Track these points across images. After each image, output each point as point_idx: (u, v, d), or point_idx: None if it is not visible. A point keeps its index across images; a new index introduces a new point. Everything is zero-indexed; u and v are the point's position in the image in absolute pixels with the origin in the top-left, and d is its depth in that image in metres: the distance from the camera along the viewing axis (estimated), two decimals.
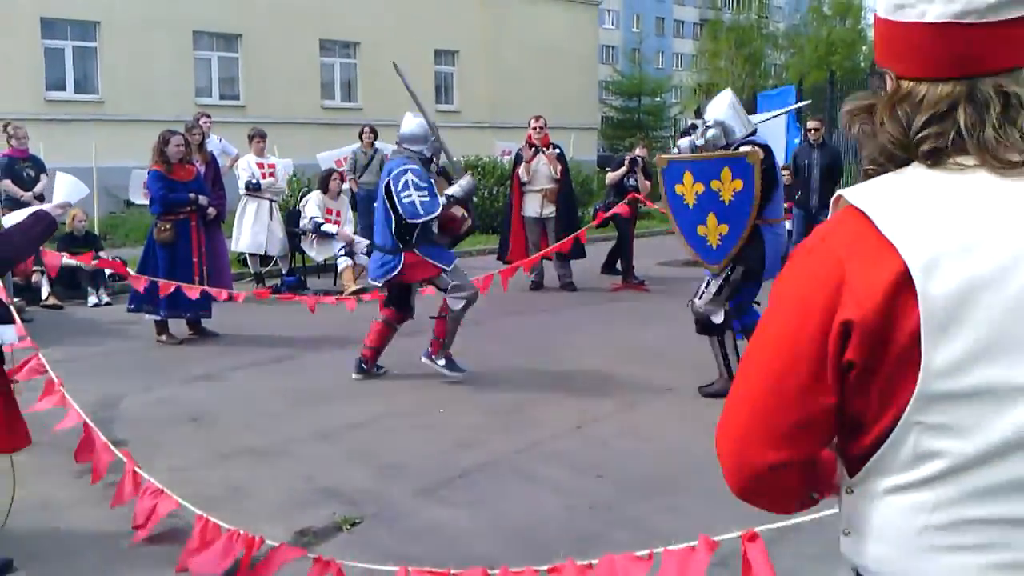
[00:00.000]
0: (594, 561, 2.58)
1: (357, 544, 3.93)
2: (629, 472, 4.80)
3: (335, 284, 10.80)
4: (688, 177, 5.99)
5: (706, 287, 6.29)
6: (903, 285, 1.12)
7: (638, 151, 11.53)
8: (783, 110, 10.92)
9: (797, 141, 14.89)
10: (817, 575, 3.52)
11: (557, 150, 10.64)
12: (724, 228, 5.96)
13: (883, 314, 1.14)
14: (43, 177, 10.02)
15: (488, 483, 4.68)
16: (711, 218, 5.96)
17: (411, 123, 6.61)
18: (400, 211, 6.13)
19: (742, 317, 6.26)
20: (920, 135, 1.21)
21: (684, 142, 6.66)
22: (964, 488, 1.14)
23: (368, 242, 10.92)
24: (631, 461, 4.98)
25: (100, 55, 19.68)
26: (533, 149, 10.40)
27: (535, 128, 10.42)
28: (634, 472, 4.79)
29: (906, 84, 1.23)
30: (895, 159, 1.24)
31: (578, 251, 10.20)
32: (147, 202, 8.58)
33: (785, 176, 10.99)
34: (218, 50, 21.67)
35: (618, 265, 11.34)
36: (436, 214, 6.24)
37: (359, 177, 11.86)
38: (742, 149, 5.94)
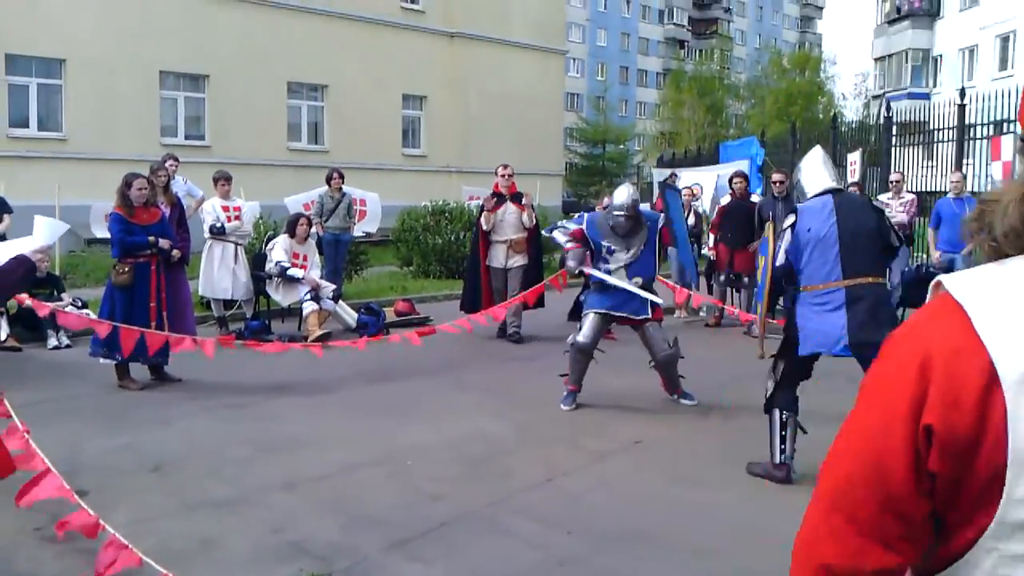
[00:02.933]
0: None
1: None
2: (599, 526, 4.76)
3: (299, 329, 10.70)
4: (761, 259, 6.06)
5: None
6: (994, 396, 1.02)
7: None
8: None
9: (759, 191, 15.12)
10: None
11: (523, 200, 10.49)
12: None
13: (968, 426, 1.03)
14: (5, 217, 9.86)
15: (458, 536, 4.62)
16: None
17: (624, 194, 7.43)
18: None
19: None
20: None
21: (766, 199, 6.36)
22: None
23: (334, 287, 10.87)
24: (601, 515, 4.94)
25: (65, 92, 19.54)
26: (496, 198, 10.31)
27: (503, 176, 10.32)
28: (604, 526, 4.76)
29: None
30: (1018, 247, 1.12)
31: (538, 301, 10.24)
32: (108, 235, 8.48)
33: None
34: (184, 90, 21.62)
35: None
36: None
37: (325, 221, 11.81)
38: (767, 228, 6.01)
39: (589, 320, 7.32)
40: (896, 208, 11.13)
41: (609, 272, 7.31)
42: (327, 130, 23.99)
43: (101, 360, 7.75)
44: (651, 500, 5.19)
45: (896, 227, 10.85)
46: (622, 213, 7.30)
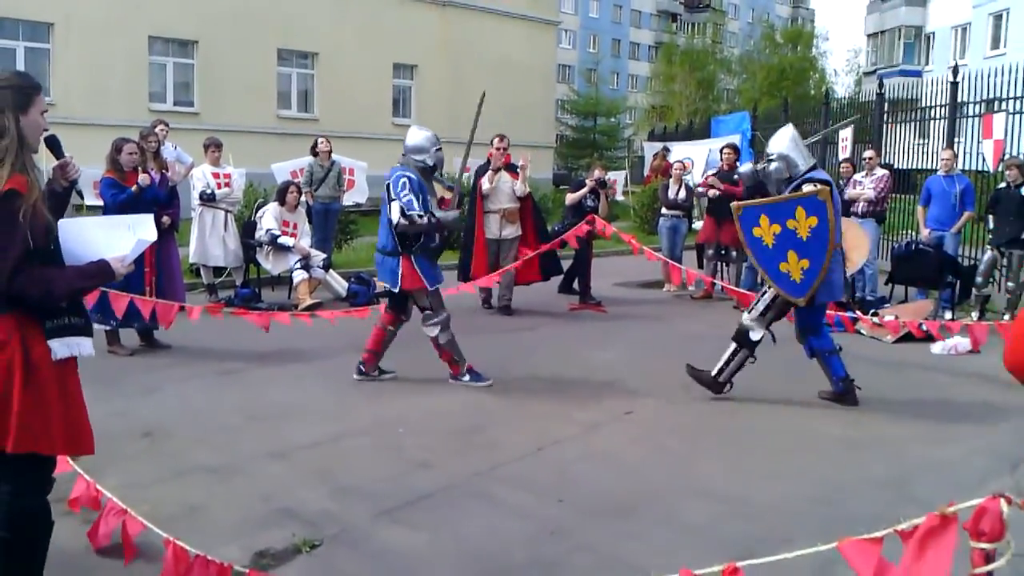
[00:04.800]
0: None
1: (317, 567, 3.87)
2: (590, 497, 4.79)
3: (289, 297, 10.68)
4: (764, 220, 6.42)
5: (759, 303, 6.72)
6: None
7: (597, 173, 11.56)
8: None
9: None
10: None
11: (516, 170, 10.47)
12: (806, 263, 6.33)
13: None
14: None
15: (448, 506, 4.64)
16: (791, 255, 6.35)
17: (418, 135, 7.02)
18: (400, 205, 6.55)
19: (810, 340, 6.73)
20: None
21: (746, 167, 7.33)
22: None
23: (324, 256, 10.85)
24: (592, 485, 4.97)
25: (53, 57, 19.33)
26: (494, 169, 10.24)
27: (499, 148, 10.26)
28: (595, 497, 4.78)
29: None
30: None
31: (555, 268, 10.67)
32: (99, 203, 8.41)
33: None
34: (174, 56, 21.41)
35: (575, 285, 11.38)
36: (422, 224, 6.58)
37: (315, 190, 11.74)
38: (807, 188, 6.37)
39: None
40: (867, 185, 11.14)
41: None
42: (317, 98, 23.82)
43: (103, 327, 7.71)
44: (641, 472, 5.22)
45: (865, 203, 10.98)
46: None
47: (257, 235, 10.55)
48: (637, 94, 63.88)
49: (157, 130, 9.57)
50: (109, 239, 3.28)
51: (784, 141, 6.66)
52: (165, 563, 3.45)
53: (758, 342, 6.72)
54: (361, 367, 7.06)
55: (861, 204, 11.11)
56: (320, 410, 6.30)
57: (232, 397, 6.50)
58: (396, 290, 6.83)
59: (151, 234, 3.38)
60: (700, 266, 12.17)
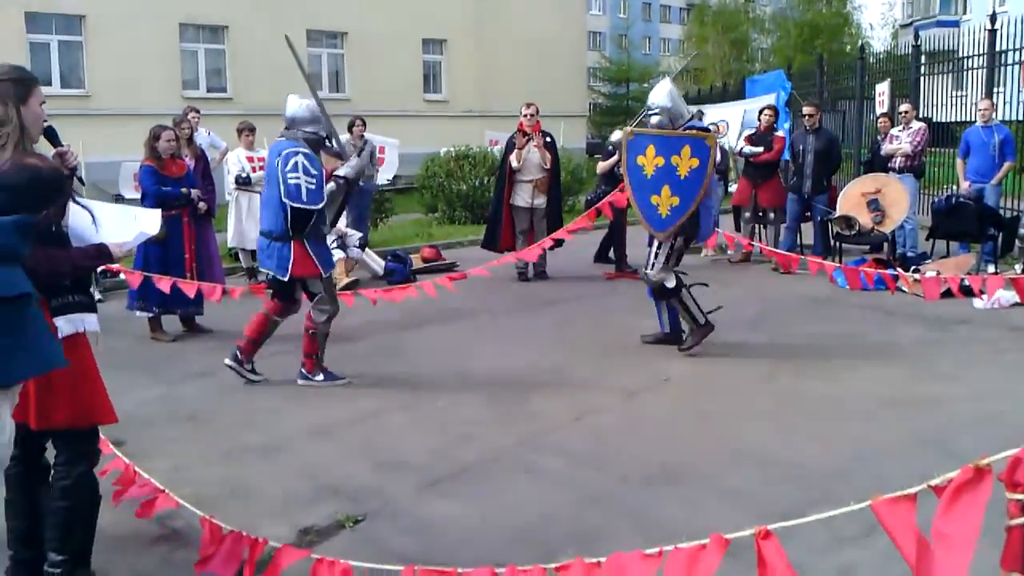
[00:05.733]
0: (602, 559, 2.56)
1: (360, 542, 3.91)
2: (629, 464, 4.79)
3: None
4: (651, 150, 6.65)
5: (655, 257, 6.95)
6: None
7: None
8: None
9: (787, 126, 14.90)
10: (823, 568, 3.53)
11: (548, 138, 10.55)
12: (675, 200, 6.62)
13: None
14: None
15: (489, 477, 4.67)
16: (665, 189, 6.63)
17: (299, 104, 6.14)
18: (283, 191, 5.83)
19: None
20: None
21: (617, 135, 7.29)
22: None
23: (361, 235, 10.89)
24: (631, 453, 4.97)
25: (86, 49, 19.53)
26: (525, 137, 10.29)
27: (527, 116, 10.28)
28: (634, 464, 4.79)
29: None
30: None
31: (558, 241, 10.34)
32: (137, 195, 8.51)
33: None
34: (204, 42, 21.53)
35: (611, 254, 11.33)
36: (318, 207, 5.95)
37: None
38: (698, 133, 6.74)
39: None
40: (904, 139, 10.94)
41: None
42: (347, 78, 23.83)
43: (137, 313, 7.84)
44: (681, 438, 5.21)
45: (903, 157, 10.80)
46: None
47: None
48: (669, 58, 63.08)
49: (189, 117, 9.65)
50: (117, 225, 3.50)
51: (662, 94, 6.89)
52: (202, 541, 3.52)
53: (678, 287, 6.97)
54: (237, 353, 6.41)
55: (898, 159, 10.92)
56: (361, 387, 6.34)
57: (273, 378, 6.56)
58: (285, 278, 6.07)
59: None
60: (737, 229, 12.04)
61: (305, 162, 5.85)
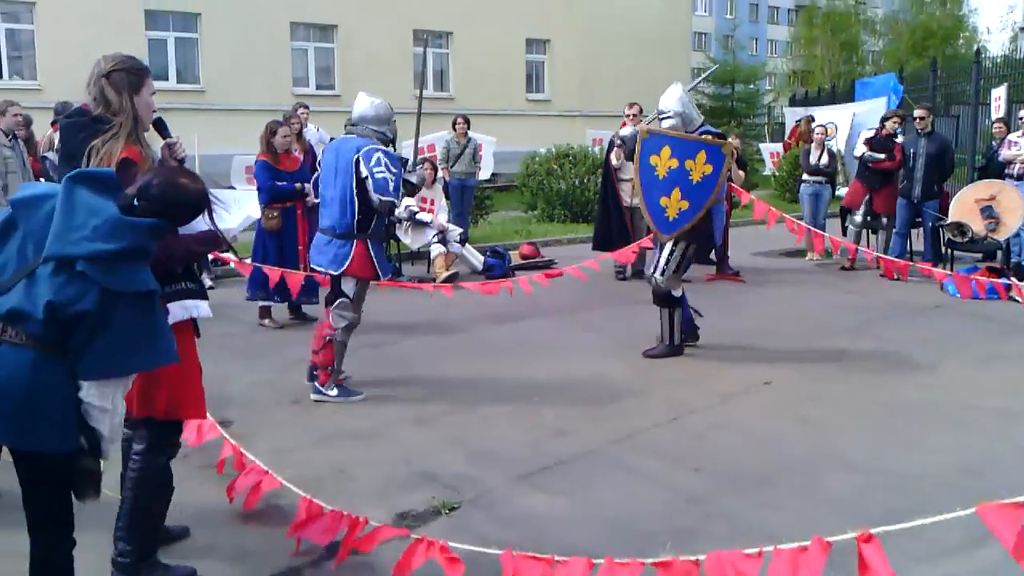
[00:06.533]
0: (701, 556, 2.56)
1: (456, 528, 3.97)
2: (725, 466, 4.75)
3: (428, 271, 10.91)
4: (666, 151, 6.64)
5: (666, 263, 6.92)
6: None
7: (730, 140, 11.33)
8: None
9: (900, 131, 14.48)
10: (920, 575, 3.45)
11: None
12: (685, 204, 6.61)
13: None
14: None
15: (584, 472, 4.69)
16: (676, 192, 6.62)
17: (368, 103, 5.98)
18: (372, 185, 5.64)
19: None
20: None
21: (627, 130, 7.80)
22: None
23: (461, 230, 11.03)
24: (727, 454, 4.93)
25: (201, 46, 20.24)
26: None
27: (630, 116, 10.28)
28: (730, 466, 4.74)
29: None
30: None
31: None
32: (250, 187, 8.79)
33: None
34: (314, 40, 22.09)
35: (712, 255, 11.20)
36: (395, 201, 5.79)
37: (451, 166, 11.96)
38: (715, 140, 6.73)
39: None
40: None
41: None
42: (452, 77, 24.10)
43: (260, 303, 8.09)
44: (780, 442, 5.13)
45: (1022, 164, 10.38)
46: None
47: (396, 212, 10.78)
48: (777, 59, 61.90)
49: (299, 112, 9.92)
50: (221, 212, 3.48)
51: (674, 99, 6.86)
52: (298, 513, 3.64)
53: (681, 297, 6.97)
54: (317, 386, 5.99)
55: (1017, 166, 10.51)
56: (458, 379, 6.43)
57: (374, 367, 6.69)
58: (337, 272, 5.82)
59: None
60: (843, 233, 11.77)
61: (386, 159, 5.74)
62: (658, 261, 7.00)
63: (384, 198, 5.67)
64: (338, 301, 5.92)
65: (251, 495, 4.05)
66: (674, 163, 6.58)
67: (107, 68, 3.23)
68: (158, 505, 3.48)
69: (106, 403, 2.60)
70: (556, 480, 4.58)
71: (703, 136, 6.74)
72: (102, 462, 2.71)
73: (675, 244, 6.87)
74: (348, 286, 5.90)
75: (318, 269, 6.02)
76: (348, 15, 21.68)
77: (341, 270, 5.80)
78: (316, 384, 5.97)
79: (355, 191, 5.72)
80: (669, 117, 6.86)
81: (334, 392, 5.95)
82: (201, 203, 2.98)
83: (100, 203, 2.59)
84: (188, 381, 3.38)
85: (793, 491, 4.41)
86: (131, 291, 2.56)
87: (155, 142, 3.48)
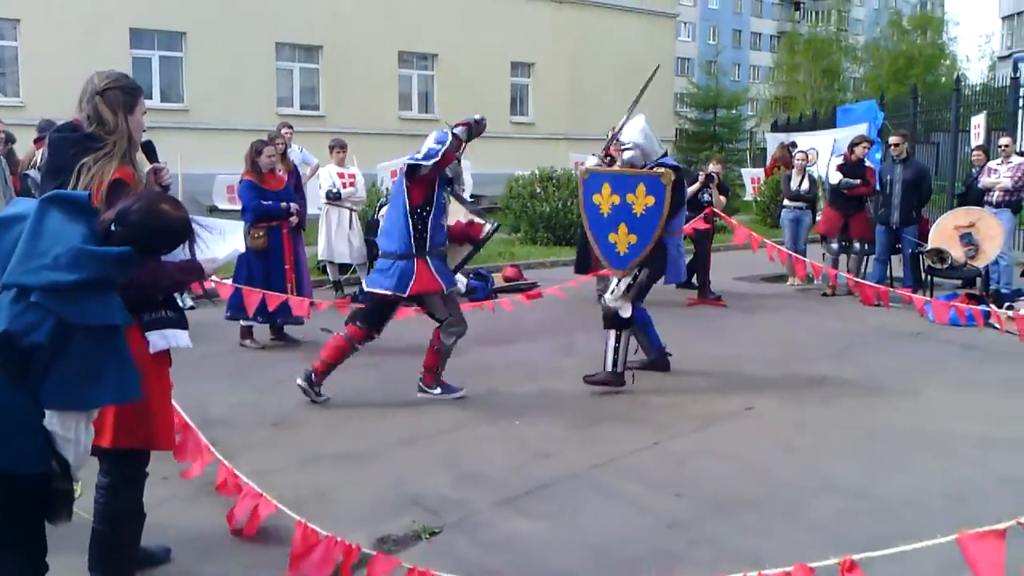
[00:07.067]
0: None
1: (436, 553, 3.94)
2: (708, 491, 4.74)
3: None
4: (607, 188, 6.69)
5: (615, 285, 6.87)
6: None
7: (712, 166, 11.46)
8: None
9: (878, 156, 14.64)
10: None
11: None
12: (633, 238, 6.62)
13: None
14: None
15: (567, 496, 4.67)
16: (622, 228, 6.64)
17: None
18: (422, 153, 6.09)
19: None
20: None
21: (592, 160, 7.75)
22: None
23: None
24: (710, 479, 4.92)
25: (186, 65, 20.22)
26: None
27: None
28: (713, 491, 4.74)
29: None
30: None
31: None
32: (233, 207, 8.75)
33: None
34: (300, 61, 22.12)
35: (694, 280, 11.24)
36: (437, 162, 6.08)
37: None
38: (656, 170, 6.65)
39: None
40: (1003, 173, 10.62)
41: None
42: (437, 99, 24.17)
43: (241, 323, 8.04)
44: (763, 467, 5.14)
45: (1001, 192, 10.49)
46: None
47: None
48: (759, 85, 62.49)
49: (283, 133, 9.91)
50: (207, 241, 3.46)
51: (636, 131, 6.96)
52: (294, 543, 3.60)
53: (629, 323, 6.82)
54: (312, 376, 6.33)
55: (996, 193, 10.62)
56: (443, 401, 6.41)
57: (358, 389, 6.66)
58: (405, 294, 6.12)
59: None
60: (823, 258, 11.85)
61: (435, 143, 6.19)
62: (612, 285, 7.02)
63: (426, 162, 6.06)
64: (446, 321, 6.34)
65: (251, 521, 4.00)
66: (616, 199, 6.62)
67: (102, 86, 3.19)
68: (128, 536, 3.38)
69: (68, 433, 2.53)
70: (539, 504, 4.56)
71: (653, 169, 6.72)
72: (76, 484, 2.66)
73: None
74: (435, 307, 6.30)
75: (382, 292, 6.20)
76: (333, 36, 21.73)
77: (407, 292, 6.10)
78: (420, 384, 6.50)
79: (407, 210, 6.06)
80: (629, 149, 6.94)
81: (438, 391, 6.48)
82: (181, 231, 2.92)
83: (68, 229, 2.53)
84: (162, 412, 3.31)
85: (777, 516, 4.41)
86: (89, 324, 2.48)
87: (142, 165, 3.45)
